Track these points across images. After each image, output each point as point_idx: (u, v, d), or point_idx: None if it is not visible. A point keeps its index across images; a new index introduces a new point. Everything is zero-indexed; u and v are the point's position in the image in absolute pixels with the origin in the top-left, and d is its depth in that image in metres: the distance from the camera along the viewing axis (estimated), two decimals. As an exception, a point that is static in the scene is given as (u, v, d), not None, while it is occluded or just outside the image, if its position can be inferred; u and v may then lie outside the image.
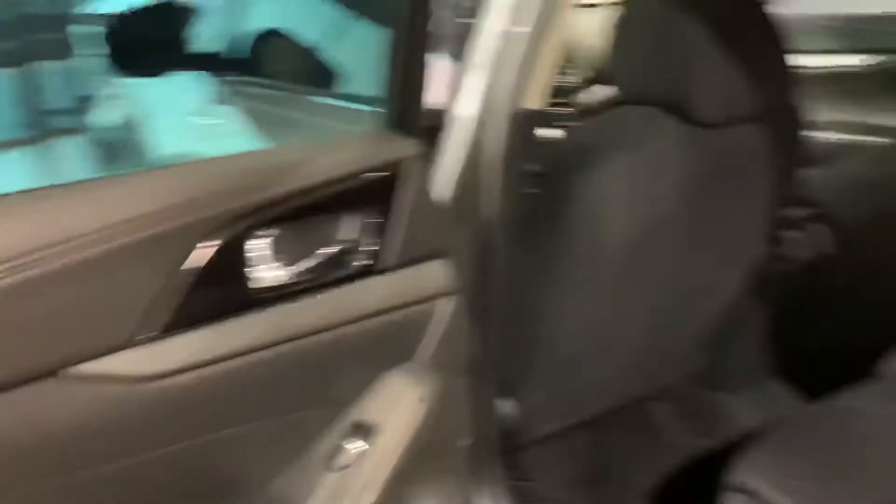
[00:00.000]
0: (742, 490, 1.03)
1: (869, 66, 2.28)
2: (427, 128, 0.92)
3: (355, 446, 0.91)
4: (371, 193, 0.88)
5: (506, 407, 1.30)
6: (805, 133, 1.32)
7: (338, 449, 0.91)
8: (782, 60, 1.20)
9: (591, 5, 1.48)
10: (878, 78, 2.28)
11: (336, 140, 0.99)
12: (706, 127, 1.13)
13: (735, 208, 1.32)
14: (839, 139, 1.50)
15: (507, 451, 1.20)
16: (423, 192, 0.91)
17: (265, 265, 0.83)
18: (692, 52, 1.09)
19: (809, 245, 1.57)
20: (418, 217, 0.91)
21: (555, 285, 1.17)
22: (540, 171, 1.06)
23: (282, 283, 0.84)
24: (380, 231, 0.89)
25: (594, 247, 1.15)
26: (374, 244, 0.89)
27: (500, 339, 1.09)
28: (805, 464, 1.06)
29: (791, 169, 1.34)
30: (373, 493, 0.91)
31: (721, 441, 1.54)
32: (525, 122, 0.93)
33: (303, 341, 0.86)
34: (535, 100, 0.93)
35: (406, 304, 0.92)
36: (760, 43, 1.17)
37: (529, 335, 1.21)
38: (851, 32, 1.77)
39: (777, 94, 1.21)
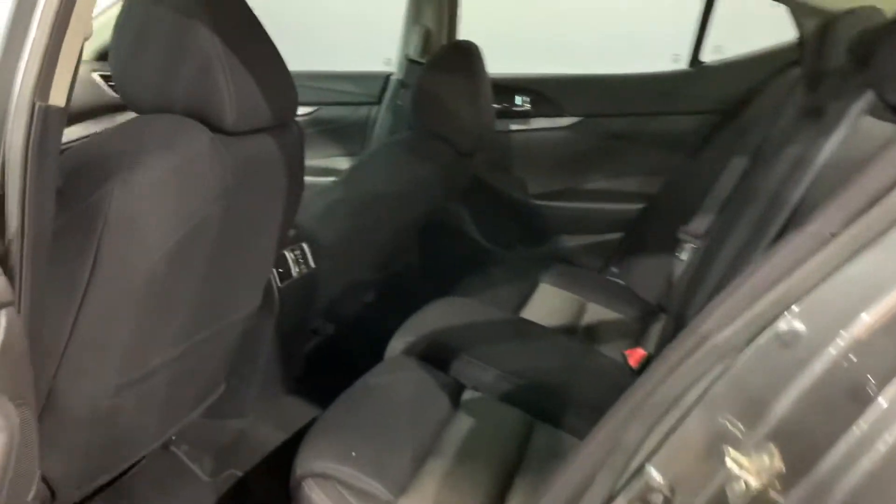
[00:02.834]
0: (312, 475, 1.19)
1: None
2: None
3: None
4: None
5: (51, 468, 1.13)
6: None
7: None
8: (288, 77, 1.22)
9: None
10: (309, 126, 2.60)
11: None
12: (232, 135, 1.13)
13: (259, 220, 1.34)
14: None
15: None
16: None
17: None
18: (216, 63, 1.05)
19: (296, 261, 1.69)
20: None
21: (81, 317, 1.02)
22: (58, 185, 0.89)
23: None
24: None
25: (126, 266, 1.03)
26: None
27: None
28: (353, 435, 1.28)
29: (298, 187, 1.39)
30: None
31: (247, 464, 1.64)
32: (51, 119, 0.80)
33: None
34: (61, 95, 0.81)
35: None
36: (272, 56, 1.18)
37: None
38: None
39: (285, 110, 1.24)
